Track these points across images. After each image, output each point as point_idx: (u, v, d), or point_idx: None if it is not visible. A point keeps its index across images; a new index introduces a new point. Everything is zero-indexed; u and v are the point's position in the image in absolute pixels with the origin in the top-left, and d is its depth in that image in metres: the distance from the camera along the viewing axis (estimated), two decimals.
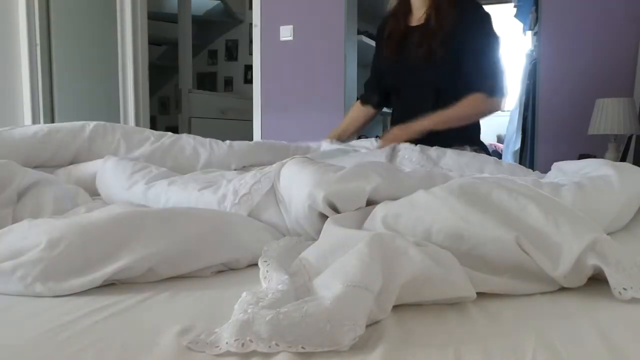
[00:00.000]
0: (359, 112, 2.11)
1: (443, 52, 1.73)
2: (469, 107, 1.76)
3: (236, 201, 0.97)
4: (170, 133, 1.61)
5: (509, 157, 3.81)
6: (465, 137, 1.79)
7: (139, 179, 1.14)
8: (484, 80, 1.74)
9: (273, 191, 0.98)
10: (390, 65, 1.93)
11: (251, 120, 3.61)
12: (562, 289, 0.68)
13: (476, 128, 1.91)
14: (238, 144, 1.59)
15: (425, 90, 1.82)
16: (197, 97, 4.88)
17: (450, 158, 1.50)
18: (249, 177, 1.02)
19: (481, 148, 1.85)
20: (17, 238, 0.71)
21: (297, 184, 0.92)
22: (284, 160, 1.01)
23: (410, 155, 1.54)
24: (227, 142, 1.59)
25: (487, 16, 1.78)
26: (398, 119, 1.91)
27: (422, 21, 1.84)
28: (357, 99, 2.18)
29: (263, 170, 1.02)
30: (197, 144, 1.55)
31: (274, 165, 1.02)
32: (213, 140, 1.59)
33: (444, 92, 1.79)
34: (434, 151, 1.55)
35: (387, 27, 1.94)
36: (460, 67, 1.77)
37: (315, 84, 3.41)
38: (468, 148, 1.74)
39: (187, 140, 1.55)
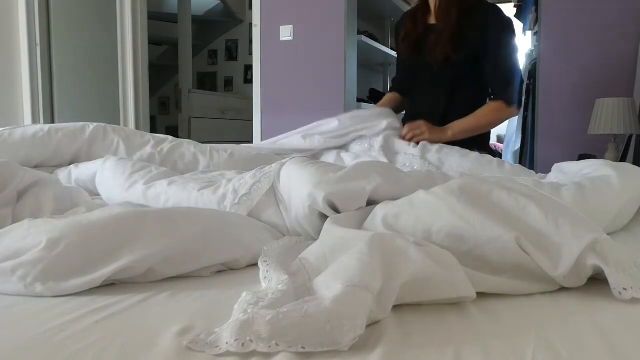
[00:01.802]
0: (389, 98, 2.12)
1: (456, 53, 1.74)
2: (489, 115, 1.80)
3: (236, 201, 0.97)
4: (171, 137, 1.60)
5: (509, 157, 3.81)
6: (474, 142, 1.80)
7: (138, 179, 1.14)
8: (505, 89, 1.78)
9: (273, 191, 0.98)
10: (407, 64, 1.95)
11: (251, 120, 3.61)
12: (562, 289, 0.68)
13: (486, 134, 1.92)
14: (239, 154, 1.58)
15: (438, 90, 1.83)
16: (197, 97, 4.88)
17: (454, 162, 1.50)
18: (249, 177, 1.02)
19: (489, 154, 1.85)
20: (17, 238, 0.71)
21: (297, 184, 0.92)
22: (284, 160, 1.01)
23: (411, 163, 1.54)
24: (229, 151, 1.58)
25: (512, 23, 1.81)
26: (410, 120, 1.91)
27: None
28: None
29: (263, 170, 1.02)
30: (198, 152, 1.54)
31: (273, 165, 1.02)
32: (214, 149, 1.58)
33: (457, 92, 1.81)
34: (435, 154, 1.55)
35: (404, 27, 1.95)
36: (475, 69, 1.78)
37: (315, 84, 3.41)
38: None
39: (187, 147, 1.55)
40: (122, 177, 1.16)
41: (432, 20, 1.89)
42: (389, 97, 2.12)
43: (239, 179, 1.03)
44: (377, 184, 0.89)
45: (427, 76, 1.86)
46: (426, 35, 1.85)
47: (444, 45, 1.75)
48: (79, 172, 1.34)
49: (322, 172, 0.92)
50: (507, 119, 1.89)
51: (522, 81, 1.86)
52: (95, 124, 1.54)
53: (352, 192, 0.88)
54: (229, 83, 5.77)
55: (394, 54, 3.84)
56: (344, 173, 0.91)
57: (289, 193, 0.94)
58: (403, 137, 1.73)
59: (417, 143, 1.71)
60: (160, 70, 5.33)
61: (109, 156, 1.30)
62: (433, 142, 1.72)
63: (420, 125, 1.74)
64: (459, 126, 1.78)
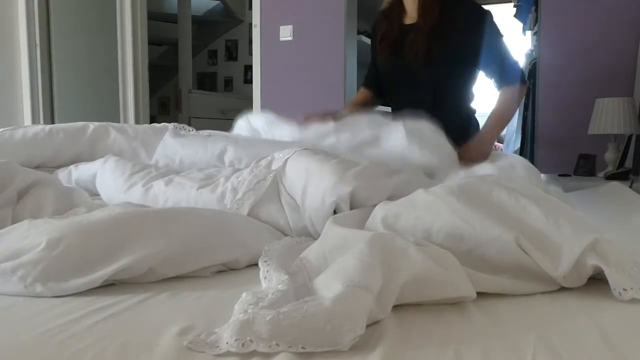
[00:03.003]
0: (360, 95, 2.10)
1: (438, 51, 1.73)
2: (512, 100, 1.80)
3: (239, 196, 0.97)
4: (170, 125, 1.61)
5: None
6: (464, 133, 1.79)
7: (137, 180, 1.14)
8: (510, 72, 1.78)
9: (274, 187, 0.98)
10: (386, 66, 1.92)
11: None
12: (562, 289, 0.68)
13: (475, 123, 1.91)
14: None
15: (422, 90, 1.82)
16: (197, 97, 4.88)
17: None
18: (247, 173, 1.02)
19: None
20: (17, 238, 0.71)
21: (319, 178, 0.91)
22: (287, 156, 1.01)
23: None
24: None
25: (489, 13, 1.80)
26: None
27: (415, 20, 1.83)
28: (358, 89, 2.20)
29: (259, 164, 1.02)
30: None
31: (274, 159, 1.02)
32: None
33: (441, 91, 1.80)
34: None
35: (380, 28, 1.93)
36: (457, 66, 1.77)
37: (315, 84, 3.41)
38: None
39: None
40: (121, 178, 1.16)
41: (408, 20, 1.86)
42: (359, 95, 2.09)
43: (237, 176, 1.03)
44: (400, 179, 0.91)
45: (408, 78, 1.83)
46: (403, 36, 1.82)
47: (424, 40, 1.73)
48: (79, 172, 1.34)
49: (345, 167, 0.93)
50: (521, 98, 1.89)
51: (517, 61, 1.85)
52: (96, 123, 1.54)
53: (378, 187, 0.90)
54: (228, 83, 5.77)
55: None
56: (366, 169, 0.93)
57: (304, 186, 0.93)
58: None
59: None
60: (160, 71, 5.32)
61: (109, 156, 1.30)
62: (488, 154, 1.64)
63: (469, 155, 1.61)
64: (495, 121, 1.74)
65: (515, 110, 1.90)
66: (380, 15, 2.00)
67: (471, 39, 1.75)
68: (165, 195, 1.06)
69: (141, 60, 3.84)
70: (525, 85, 1.85)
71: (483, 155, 1.63)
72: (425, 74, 1.78)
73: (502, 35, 1.80)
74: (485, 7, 1.82)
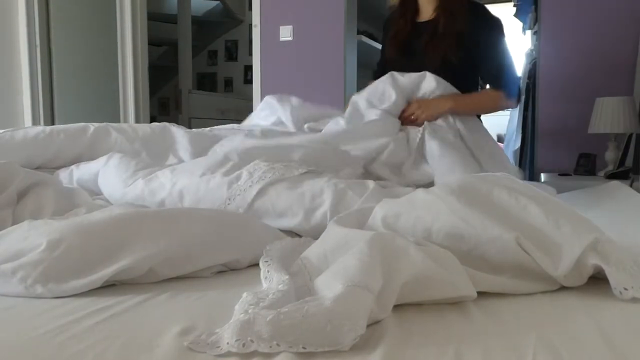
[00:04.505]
0: None
1: (453, 54, 1.72)
2: (490, 99, 1.80)
3: (255, 177, 1.04)
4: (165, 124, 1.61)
5: (509, 157, 3.80)
6: None
7: (142, 175, 1.15)
8: (504, 82, 1.78)
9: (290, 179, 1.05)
10: (397, 65, 1.91)
11: None
12: (563, 288, 0.68)
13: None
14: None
15: None
16: (197, 97, 4.88)
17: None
18: (264, 164, 1.08)
19: None
20: (17, 239, 0.71)
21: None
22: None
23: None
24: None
25: (500, 22, 1.80)
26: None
27: (430, 17, 1.82)
28: None
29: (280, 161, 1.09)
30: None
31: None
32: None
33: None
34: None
35: (393, 26, 1.92)
36: (469, 71, 1.77)
37: (315, 84, 3.41)
38: None
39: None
40: (125, 174, 1.17)
41: (421, 17, 1.85)
42: None
43: (253, 164, 1.08)
44: None
45: None
46: (416, 34, 1.82)
47: (443, 42, 1.72)
48: (81, 172, 1.34)
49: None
50: (503, 109, 1.90)
51: (519, 77, 1.86)
52: (97, 124, 1.54)
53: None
54: (228, 83, 5.77)
55: None
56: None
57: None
58: (402, 124, 1.65)
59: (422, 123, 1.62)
60: (160, 71, 5.32)
61: (112, 153, 1.31)
62: (433, 118, 1.65)
63: (412, 107, 1.66)
64: (462, 99, 1.70)
65: (488, 111, 1.86)
66: (393, 12, 1.99)
67: (488, 45, 1.75)
68: (172, 181, 1.08)
69: (141, 61, 3.84)
70: (514, 102, 1.88)
71: (421, 119, 1.63)
72: (437, 75, 1.77)
73: (508, 46, 1.81)
74: (485, 7, 1.83)
